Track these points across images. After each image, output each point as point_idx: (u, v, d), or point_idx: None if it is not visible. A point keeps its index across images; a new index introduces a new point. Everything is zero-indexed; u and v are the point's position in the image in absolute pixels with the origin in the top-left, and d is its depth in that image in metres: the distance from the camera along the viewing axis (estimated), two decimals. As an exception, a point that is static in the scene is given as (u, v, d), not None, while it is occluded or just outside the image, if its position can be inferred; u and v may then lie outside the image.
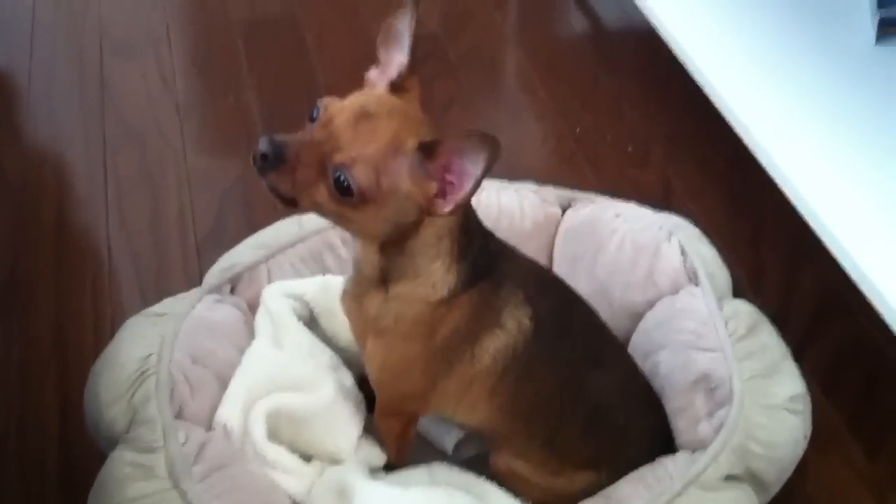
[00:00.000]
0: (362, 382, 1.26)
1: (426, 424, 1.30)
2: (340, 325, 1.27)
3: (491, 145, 0.89)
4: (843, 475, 1.35)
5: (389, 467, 1.24)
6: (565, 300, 1.18)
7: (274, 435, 1.19)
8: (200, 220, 1.70)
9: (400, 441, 1.22)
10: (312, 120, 0.98)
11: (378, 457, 1.22)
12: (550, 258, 1.44)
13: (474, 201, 1.07)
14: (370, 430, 1.24)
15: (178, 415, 1.13)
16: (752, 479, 1.13)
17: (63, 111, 1.97)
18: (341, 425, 1.21)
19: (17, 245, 1.67)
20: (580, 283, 1.25)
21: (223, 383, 1.21)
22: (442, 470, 1.21)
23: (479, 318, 1.08)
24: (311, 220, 1.41)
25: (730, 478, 1.11)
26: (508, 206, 1.44)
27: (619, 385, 1.18)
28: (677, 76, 1.81)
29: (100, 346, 1.23)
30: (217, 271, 1.34)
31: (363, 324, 1.12)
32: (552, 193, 1.47)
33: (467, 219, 1.06)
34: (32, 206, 1.74)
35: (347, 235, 1.40)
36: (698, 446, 1.15)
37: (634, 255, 1.36)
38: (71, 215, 1.75)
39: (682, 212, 1.47)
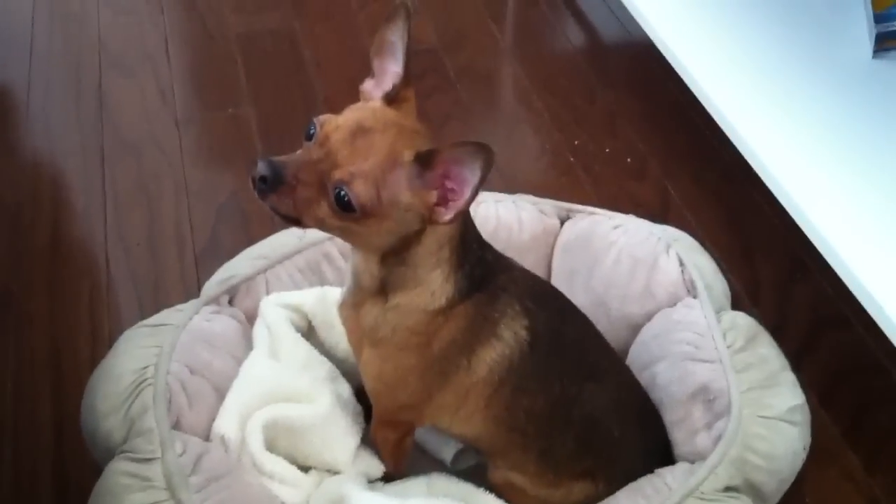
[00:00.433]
0: (360, 394, 1.25)
1: (425, 435, 1.30)
2: (338, 336, 1.27)
3: (485, 153, 0.90)
4: (841, 487, 1.35)
5: (388, 478, 1.23)
6: (562, 312, 1.18)
7: (271, 446, 1.18)
8: (198, 233, 1.70)
9: (396, 452, 1.22)
10: (309, 138, 0.99)
11: (376, 468, 1.22)
12: (548, 270, 1.44)
13: (472, 213, 1.08)
14: (368, 441, 1.24)
15: (176, 426, 1.13)
16: (751, 490, 1.13)
17: (61, 125, 1.97)
18: (339, 437, 1.21)
19: (13, 258, 1.66)
20: (578, 295, 1.26)
21: (221, 394, 1.21)
22: (440, 481, 1.21)
23: (475, 328, 1.08)
24: (309, 232, 1.40)
25: (729, 489, 1.11)
26: (506, 218, 1.44)
27: (615, 397, 1.18)
28: (674, 90, 1.82)
29: (97, 360, 1.23)
30: (215, 282, 1.34)
31: (360, 333, 1.12)
32: (550, 206, 1.47)
33: (466, 228, 1.06)
34: (30, 220, 1.74)
35: (345, 246, 1.40)
36: (697, 458, 1.15)
37: (632, 267, 1.36)
38: (68, 228, 1.75)
39: (680, 225, 1.48)
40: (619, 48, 2.25)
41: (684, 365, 1.22)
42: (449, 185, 0.95)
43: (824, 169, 1.46)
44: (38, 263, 1.66)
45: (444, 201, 0.96)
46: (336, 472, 1.21)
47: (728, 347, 1.22)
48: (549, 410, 1.13)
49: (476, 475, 1.23)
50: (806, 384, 1.23)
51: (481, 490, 1.20)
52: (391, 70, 1.04)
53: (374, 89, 1.05)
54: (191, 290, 1.55)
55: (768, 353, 1.23)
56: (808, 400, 1.21)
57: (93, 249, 1.68)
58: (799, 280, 1.64)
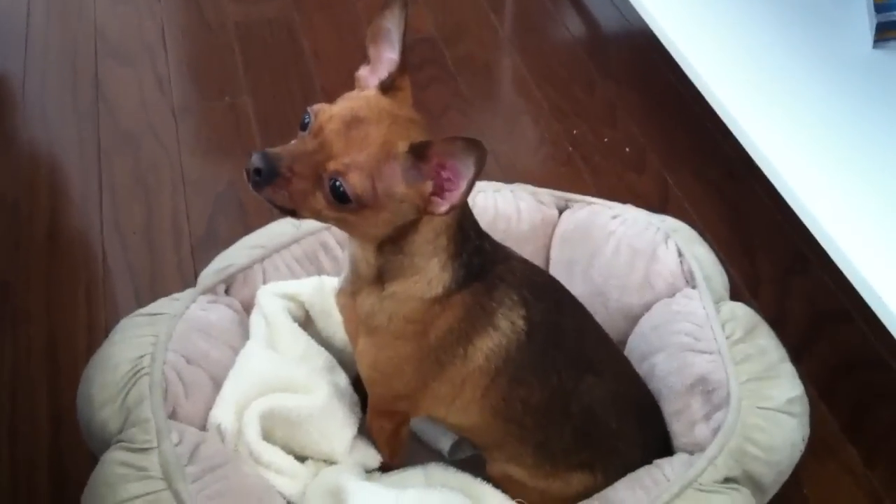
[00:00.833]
0: (357, 384, 1.25)
1: (422, 425, 1.29)
2: (336, 325, 1.27)
3: (477, 150, 0.89)
4: (841, 479, 1.35)
5: (385, 468, 1.23)
6: (560, 303, 1.18)
7: (268, 436, 1.18)
8: (195, 224, 1.70)
9: (392, 442, 1.22)
10: (304, 128, 0.98)
11: (373, 458, 1.22)
12: (547, 260, 1.44)
13: (470, 202, 1.07)
14: (365, 432, 1.23)
15: (172, 415, 1.13)
16: (750, 481, 1.12)
17: (57, 115, 1.96)
18: (335, 427, 1.20)
19: (10, 249, 1.66)
20: (577, 285, 1.25)
21: (217, 384, 1.20)
22: (437, 471, 1.20)
23: (472, 318, 1.08)
24: (306, 221, 1.39)
25: (728, 480, 1.11)
26: (505, 208, 1.43)
27: (613, 389, 1.17)
28: (674, 81, 1.82)
29: (93, 351, 1.22)
30: (212, 272, 1.33)
31: (356, 321, 1.12)
32: (548, 195, 1.46)
33: (463, 217, 1.06)
34: (26, 210, 1.73)
35: (342, 235, 1.39)
36: (696, 449, 1.15)
37: (631, 257, 1.35)
38: (65, 219, 1.75)
39: (679, 216, 1.47)
40: (619, 39, 2.25)
41: (683, 356, 1.22)
42: (445, 175, 0.95)
43: (825, 161, 1.46)
44: (34, 254, 1.65)
45: (440, 191, 0.96)
46: (333, 463, 1.21)
47: (727, 338, 1.21)
48: (547, 402, 1.12)
49: (473, 465, 1.23)
50: (806, 378, 1.22)
51: (478, 480, 1.20)
52: (387, 57, 1.03)
53: (370, 76, 1.04)
54: (187, 281, 1.55)
55: (767, 344, 1.23)
56: (808, 393, 1.21)
57: (89, 240, 1.67)
58: (799, 273, 1.63)
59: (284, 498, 1.15)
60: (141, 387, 1.12)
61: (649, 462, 1.16)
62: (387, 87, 1.02)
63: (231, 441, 1.15)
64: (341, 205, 0.96)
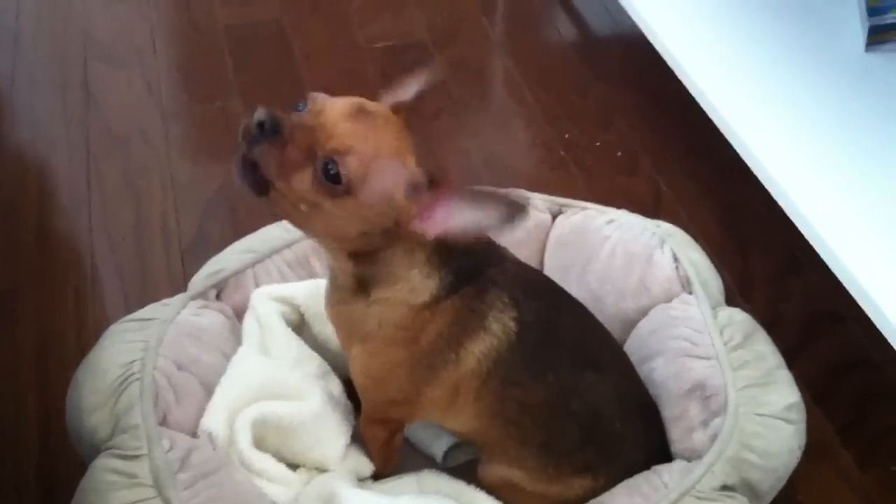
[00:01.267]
0: (351, 390, 1.24)
1: (415, 431, 1.28)
2: (331, 329, 1.25)
3: (520, 213, 0.92)
4: (835, 484, 1.34)
5: (378, 476, 1.22)
6: (556, 302, 1.17)
7: (260, 443, 1.17)
8: (185, 227, 1.69)
9: (386, 450, 1.21)
10: (297, 111, 0.97)
11: (366, 466, 1.21)
12: (541, 266, 1.43)
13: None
14: (358, 439, 1.22)
15: (163, 422, 1.11)
16: (747, 488, 1.12)
17: (46, 118, 1.95)
18: (328, 434, 1.19)
19: (-2, 252, 1.65)
20: (572, 291, 1.24)
21: (209, 390, 1.19)
22: (431, 478, 1.20)
23: (463, 322, 1.07)
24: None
25: (725, 488, 1.10)
26: (498, 212, 1.42)
27: (616, 388, 1.16)
28: (666, 84, 1.81)
29: (82, 356, 1.21)
30: (203, 276, 1.32)
31: (348, 329, 1.11)
32: (542, 200, 1.46)
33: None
34: (14, 214, 1.72)
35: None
36: (693, 455, 1.14)
37: (627, 262, 1.34)
38: (54, 222, 1.73)
39: (672, 219, 1.47)
40: (610, 41, 2.24)
41: (681, 361, 1.21)
42: (439, 208, 0.95)
43: (817, 163, 1.46)
44: (23, 258, 1.64)
45: (422, 217, 0.96)
46: (325, 470, 1.20)
47: (725, 344, 1.20)
48: (545, 401, 1.11)
49: (467, 472, 1.22)
50: (799, 381, 1.22)
51: (472, 487, 1.19)
52: (399, 96, 1.04)
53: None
54: (177, 285, 1.53)
55: (765, 350, 1.22)
56: (802, 397, 1.20)
57: (78, 243, 1.66)
58: (792, 275, 1.63)
59: (276, 506, 1.14)
60: (131, 393, 1.11)
61: (650, 464, 1.15)
62: (395, 110, 1.01)
63: (222, 448, 1.14)
64: (327, 186, 0.94)
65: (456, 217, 0.95)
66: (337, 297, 1.10)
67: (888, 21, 1.62)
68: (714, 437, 1.12)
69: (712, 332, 1.22)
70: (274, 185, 0.95)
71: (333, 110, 0.96)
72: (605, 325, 1.25)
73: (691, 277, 1.30)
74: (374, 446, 1.21)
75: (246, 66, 2.07)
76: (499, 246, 1.14)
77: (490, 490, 1.18)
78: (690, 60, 1.67)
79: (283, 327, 1.27)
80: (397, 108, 1.02)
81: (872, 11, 1.62)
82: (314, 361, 1.26)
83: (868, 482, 1.34)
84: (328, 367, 1.27)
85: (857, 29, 1.67)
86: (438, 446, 1.27)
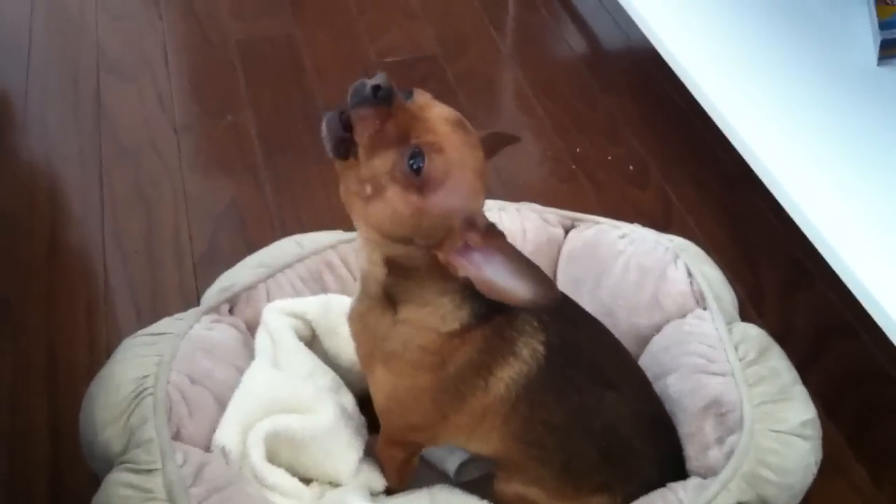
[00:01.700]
0: (363, 404, 1.24)
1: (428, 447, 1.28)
2: (343, 344, 1.26)
3: (542, 292, 0.92)
4: (849, 499, 1.34)
5: (390, 491, 1.22)
6: (576, 319, 1.16)
7: (273, 457, 1.17)
8: (197, 241, 1.69)
9: (402, 470, 1.20)
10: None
11: (378, 481, 1.20)
12: (553, 280, 1.43)
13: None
14: (371, 453, 1.22)
15: (176, 436, 1.11)
16: (763, 505, 1.11)
17: (59, 131, 1.95)
18: (341, 449, 1.19)
19: (10, 265, 1.65)
20: (584, 306, 1.24)
21: (222, 404, 1.19)
22: (443, 493, 1.19)
23: (493, 349, 1.05)
24: (310, 240, 1.39)
25: (741, 504, 1.09)
26: (510, 227, 1.42)
27: (633, 407, 1.15)
28: (675, 97, 1.81)
29: (94, 370, 1.21)
30: (215, 291, 1.32)
31: (370, 345, 1.09)
32: (554, 214, 1.46)
33: None
34: (27, 227, 1.72)
35: (346, 255, 1.39)
36: (709, 472, 1.14)
37: (640, 277, 1.34)
38: (66, 236, 1.74)
39: (682, 232, 1.47)
40: (620, 54, 2.25)
41: (696, 378, 1.21)
42: (481, 254, 0.94)
43: (828, 175, 1.45)
44: (35, 271, 1.64)
45: (464, 253, 0.95)
46: (338, 485, 1.19)
47: (740, 360, 1.20)
48: (569, 422, 1.10)
49: (480, 487, 1.21)
50: (812, 394, 1.21)
51: (485, 502, 1.18)
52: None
53: None
54: (189, 298, 1.54)
55: (780, 366, 1.22)
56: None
57: (90, 257, 1.67)
58: (803, 288, 1.62)
59: (290, 520, 1.14)
60: (144, 407, 1.11)
61: (666, 481, 1.15)
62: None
63: (235, 462, 1.14)
64: (404, 175, 0.92)
65: (490, 271, 0.94)
66: (363, 308, 1.08)
67: (899, 35, 1.62)
68: (730, 454, 1.12)
69: (727, 348, 1.22)
70: (356, 152, 0.95)
71: (438, 111, 0.96)
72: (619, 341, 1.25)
73: (705, 292, 1.30)
74: (392, 467, 1.20)
75: (257, 80, 2.07)
76: None
77: (505, 504, 1.18)
78: (700, 73, 1.67)
79: (296, 341, 1.27)
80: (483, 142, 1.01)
81: (884, 25, 1.62)
82: (327, 375, 1.26)
83: (883, 497, 1.33)
84: (341, 382, 1.27)
85: (868, 42, 1.67)
86: (451, 462, 1.26)
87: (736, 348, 1.22)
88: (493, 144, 1.08)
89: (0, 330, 1.53)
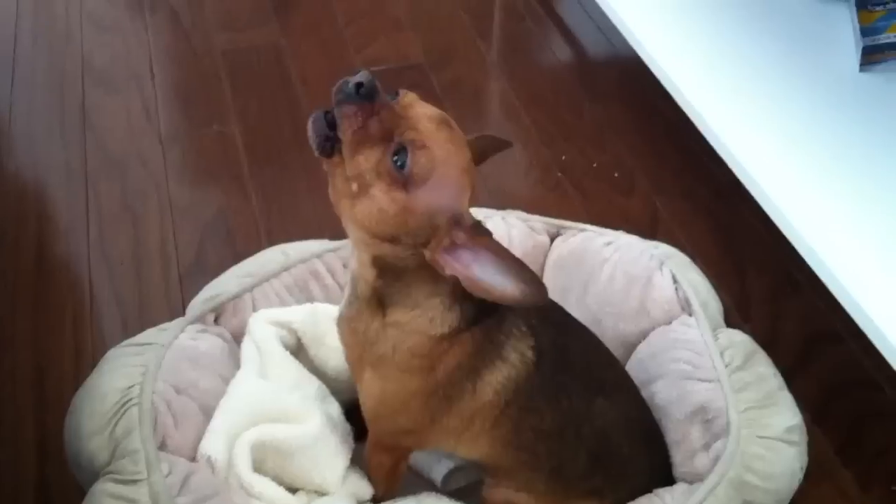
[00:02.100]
0: (350, 413, 1.24)
1: (416, 455, 1.27)
2: (329, 353, 1.26)
3: (530, 290, 0.92)
4: (836, 504, 1.34)
5: (377, 499, 1.21)
6: (566, 326, 1.16)
7: (259, 467, 1.16)
8: (183, 252, 1.69)
9: (389, 477, 1.20)
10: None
11: (365, 489, 1.20)
12: (541, 279, 1.43)
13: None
14: (358, 462, 1.22)
15: (162, 446, 1.11)
16: (749, 510, 1.11)
17: (44, 143, 1.95)
18: (328, 458, 1.19)
19: (-5, 277, 1.65)
20: (571, 313, 1.24)
21: (207, 414, 1.18)
22: (431, 501, 1.19)
23: (482, 353, 1.05)
24: (296, 249, 1.39)
25: (727, 511, 1.09)
26: (496, 235, 1.42)
27: (624, 412, 1.16)
28: (661, 105, 1.82)
29: (80, 380, 1.20)
30: (201, 301, 1.32)
31: (359, 349, 1.08)
32: (540, 222, 1.46)
33: None
34: (13, 239, 1.72)
35: (333, 264, 1.39)
36: (695, 479, 1.14)
37: (626, 285, 1.34)
38: (52, 247, 1.73)
39: (669, 240, 1.47)
40: (605, 62, 2.25)
41: (683, 384, 1.21)
42: (469, 252, 0.94)
43: (813, 182, 1.46)
44: (20, 283, 1.64)
45: (451, 251, 0.95)
46: (325, 494, 1.19)
47: (726, 366, 1.20)
48: (559, 427, 1.10)
49: (467, 496, 1.21)
50: (798, 401, 1.21)
51: (473, 509, 1.19)
52: None
53: None
54: (175, 309, 1.54)
55: (766, 372, 1.22)
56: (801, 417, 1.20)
57: (76, 268, 1.66)
58: (790, 296, 1.63)
59: (277, 529, 1.13)
60: (130, 417, 1.11)
61: (654, 487, 1.15)
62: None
63: (221, 472, 1.13)
64: (389, 172, 0.93)
65: (478, 269, 0.94)
66: (352, 312, 1.07)
67: (881, 41, 1.63)
68: (716, 460, 1.12)
69: (713, 354, 1.22)
70: (340, 150, 0.95)
71: (423, 109, 0.96)
72: (606, 349, 1.25)
73: (691, 299, 1.30)
74: (379, 473, 1.19)
75: (243, 90, 2.07)
76: None
77: (494, 511, 1.18)
78: (685, 81, 1.67)
79: (282, 351, 1.26)
80: (469, 142, 1.01)
81: (866, 31, 1.63)
82: (313, 384, 1.26)
83: (868, 502, 1.34)
84: (327, 391, 1.26)
85: (850, 49, 1.68)
86: (438, 470, 1.26)
87: (722, 354, 1.22)
88: (484, 148, 1.09)
89: (-15, 341, 1.53)
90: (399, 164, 0.93)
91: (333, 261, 1.39)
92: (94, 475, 1.09)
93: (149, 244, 1.71)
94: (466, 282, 0.94)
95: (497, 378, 1.06)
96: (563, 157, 1.91)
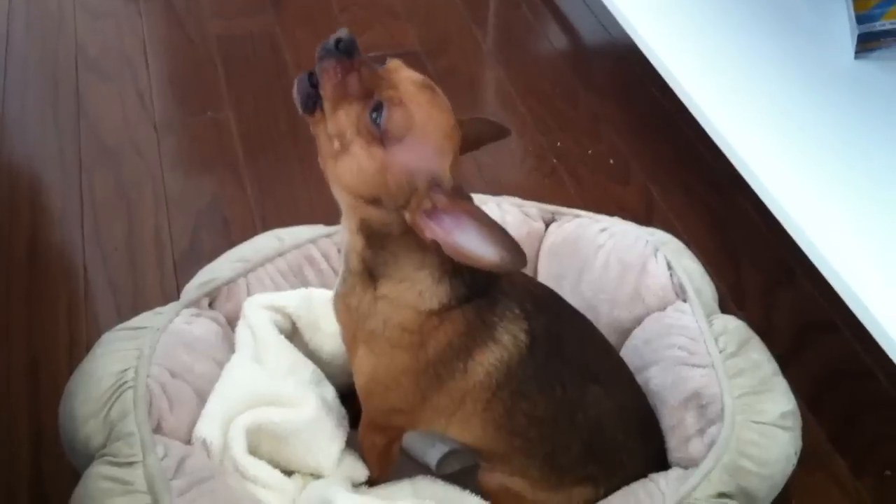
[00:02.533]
0: (345, 397, 1.24)
1: (410, 439, 1.27)
2: (323, 337, 1.26)
3: (516, 262, 0.92)
4: (829, 491, 1.35)
5: (372, 482, 1.21)
6: (561, 313, 1.16)
7: (254, 450, 1.16)
8: (177, 239, 1.68)
9: (383, 459, 1.20)
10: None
11: (360, 472, 1.20)
12: (535, 274, 1.43)
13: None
14: (353, 445, 1.22)
15: (157, 429, 1.11)
16: (744, 495, 1.11)
17: (38, 131, 1.94)
18: (323, 441, 1.19)
19: (-11, 265, 1.64)
20: (566, 299, 1.24)
21: (202, 398, 1.18)
22: (425, 484, 1.19)
23: (473, 332, 1.05)
24: (290, 234, 1.39)
25: (721, 495, 1.09)
26: (491, 220, 1.42)
27: (619, 400, 1.16)
28: (657, 93, 1.82)
29: (75, 368, 1.20)
30: (195, 285, 1.32)
31: (353, 327, 1.09)
32: (534, 208, 1.46)
33: None
34: (7, 227, 1.71)
35: (327, 249, 1.38)
36: (690, 464, 1.14)
37: (621, 271, 1.34)
38: (46, 235, 1.73)
39: (664, 228, 1.47)
40: (601, 51, 2.25)
41: (677, 370, 1.21)
42: (450, 217, 0.94)
43: (808, 171, 1.46)
44: (15, 271, 1.63)
45: (433, 216, 0.95)
46: (320, 477, 1.19)
47: (720, 352, 1.20)
48: (552, 414, 1.10)
49: (461, 480, 1.21)
50: (793, 389, 1.22)
51: (466, 493, 1.19)
52: None
53: None
54: (170, 297, 1.53)
55: (760, 358, 1.22)
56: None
57: (71, 256, 1.66)
58: (785, 284, 1.63)
59: (271, 512, 1.13)
60: (125, 400, 1.10)
61: (649, 473, 1.15)
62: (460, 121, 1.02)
63: (217, 455, 1.13)
64: (367, 129, 0.94)
65: (459, 234, 0.94)
66: (346, 289, 1.07)
67: (877, 28, 1.63)
68: (710, 445, 1.12)
69: (707, 340, 1.22)
70: (322, 107, 0.97)
71: (407, 73, 0.98)
72: (601, 335, 1.25)
73: (685, 285, 1.30)
74: (372, 454, 1.20)
75: (238, 77, 2.07)
76: None
77: (490, 496, 1.18)
78: (681, 70, 1.67)
79: (276, 335, 1.26)
80: (463, 121, 1.02)
81: (861, 19, 1.63)
82: (308, 368, 1.26)
83: (862, 488, 1.34)
84: (322, 375, 1.26)
85: (846, 37, 1.68)
86: (432, 454, 1.26)
87: (716, 340, 1.22)
88: (481, 134, 1.09)
89: (-21, 330, 1.52)
90: (376, 119, 0.94)
91: (328, 246, 1.39)
92: (89, 459, 1.09)
93: (143, 232, 1.70)
94: (446, 246, 0.94)
95: (489, 359, 1.06)
96: (559, 145, 1.91)
